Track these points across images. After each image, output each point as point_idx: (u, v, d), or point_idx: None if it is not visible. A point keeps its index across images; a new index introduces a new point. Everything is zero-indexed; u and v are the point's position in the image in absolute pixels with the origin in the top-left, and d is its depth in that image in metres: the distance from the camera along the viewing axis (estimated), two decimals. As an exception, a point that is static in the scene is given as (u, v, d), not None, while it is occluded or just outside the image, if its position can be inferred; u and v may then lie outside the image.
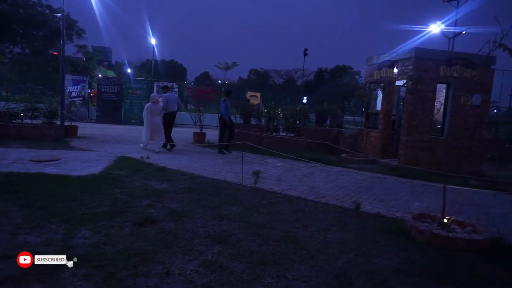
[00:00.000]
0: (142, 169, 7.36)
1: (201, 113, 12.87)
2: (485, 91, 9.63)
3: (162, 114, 10.26)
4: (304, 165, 9.02)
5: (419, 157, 9.31)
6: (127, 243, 3.71)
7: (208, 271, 3.26)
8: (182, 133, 15.25)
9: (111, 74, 38.42)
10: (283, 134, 12.46)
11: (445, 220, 4.61)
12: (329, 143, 11.21)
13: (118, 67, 58.39)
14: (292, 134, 12.32)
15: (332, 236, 4.33)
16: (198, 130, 12.71)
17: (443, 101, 10.01)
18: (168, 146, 10.40)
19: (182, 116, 20.53)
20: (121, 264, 3.24)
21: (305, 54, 42.98)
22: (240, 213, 4.95)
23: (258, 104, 19.21)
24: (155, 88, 19.78)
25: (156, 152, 9.74)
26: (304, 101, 26.23)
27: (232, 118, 12.86)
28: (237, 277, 3.20)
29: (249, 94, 21.38)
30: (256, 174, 6.36)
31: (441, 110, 10.02)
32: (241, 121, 12.36)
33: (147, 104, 10.16)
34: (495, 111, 20.21)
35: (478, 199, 6.75)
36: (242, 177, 6.87)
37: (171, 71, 65.50)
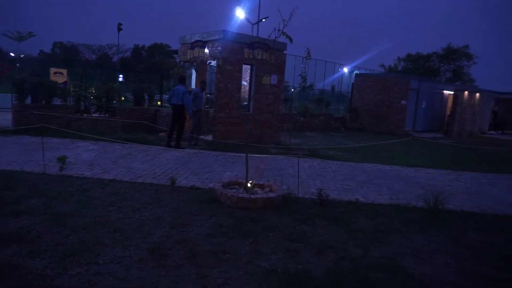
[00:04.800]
0: None
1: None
2: (280, 73, 11.27)
3: None
4: (120, 147, 8.61)
5: (230, 131, 10.24)
6: None
7: (-3, 276, 2.82)
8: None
9: None
10: (96, 115, 11.49)
11: (249, 185, 5.30)
12: (146, 122, 11.01)
13: None
14: (106, 115, 11.51)
15: (148, 214, 4.37)
16: (-18, 114, 10.33)
17: (249, 80, 11.20)
18: None
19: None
20: None
21: (119, 29, 40.06)
22: (42, 205, 4.40)
23: (65, 82, 16.97)
24: None
25: None
26: (120, 79, 24.69)
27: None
28: (37, 275, 2.89)
29: (52, 70, 18.57)
30: (62, 160, 5.71)
31: (247, 88, 11.21)
32: (43, 102, 10.71)
33: None
34: (292, 90, 23.95)
35: (276, 164, 7.99)
36: (45, 165, 6.05)
37: None
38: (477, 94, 21.34)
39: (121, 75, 25.94)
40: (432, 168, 8.82)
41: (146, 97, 13.57)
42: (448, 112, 20.85)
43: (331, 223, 4.53)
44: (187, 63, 11.49)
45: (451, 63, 44.70)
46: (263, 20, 24.26)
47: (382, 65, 48.66)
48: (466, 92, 19.93)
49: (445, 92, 21.66)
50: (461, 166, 9.34)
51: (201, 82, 10.16)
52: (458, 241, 4.25)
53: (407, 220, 4.83)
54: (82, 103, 11.66)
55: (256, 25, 24.90)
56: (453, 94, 19.74)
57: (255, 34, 24.00)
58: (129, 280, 2.93)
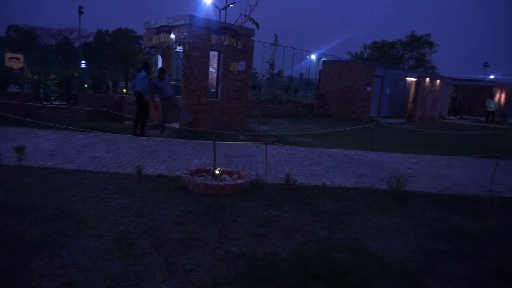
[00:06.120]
0: None
1: None
2: (247, 59, 11.20)
3: None
4: (83, 136, 8.31)
5: (198, 119, 10.11)
6: None
7: (-49, 272, 2.68)
8: None
9: None
10: (57, 103, 11.00)
11: (217, 172, 5.29)
12: (111, 110, 10.67)
13: None
14: (69, 103, 11.04)
15: (113, 203, 4.28)
16: None
17: (216, 67, 11.06)
18: None
19: None
20: None
21: (80, 13, 38.33)
22: (-1, 198, 4.20)
23: (22, 68, 16.12)
24: None
25: None
26: (83, 65, 23.70)
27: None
28: (-5, 269, 2.77)
29: (7, 55, 17.50)
30: (20, 150, 5.45)
31: (215, 75, 11.08)
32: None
33: None
34: (261, 77, 23.89)
35: (245, 151, 8.01)
36: (0, 155, 5.75)
37: None
38: (438, 81, 22.24)
39: (83, 61, 24.91)
40: (395, 152, 9.16)
41: (110, 84, 13.14)
42: (410, 99, 21.62)
43: (298, 207, 4.63)
44: (152, 49, 11.16)
45: (414, 50, 46.19)
46: (230, 5, 23.93)
47: (349, 52, 49.55)
48: (427, 79, 20.72)
49: (408, 79, 22.40)
50: (422, 149, 9.77)
51: (159, 70, 9.60)
52: (417, 220, 4.47)
53: (371, 202, 5.01)
54: (42, 90, 11.11)
55: (223, 11, 24.53)
56: (416, 80, 20.47)
57: (222, 19, 23.63)
58: (94, 270, 2.87)
